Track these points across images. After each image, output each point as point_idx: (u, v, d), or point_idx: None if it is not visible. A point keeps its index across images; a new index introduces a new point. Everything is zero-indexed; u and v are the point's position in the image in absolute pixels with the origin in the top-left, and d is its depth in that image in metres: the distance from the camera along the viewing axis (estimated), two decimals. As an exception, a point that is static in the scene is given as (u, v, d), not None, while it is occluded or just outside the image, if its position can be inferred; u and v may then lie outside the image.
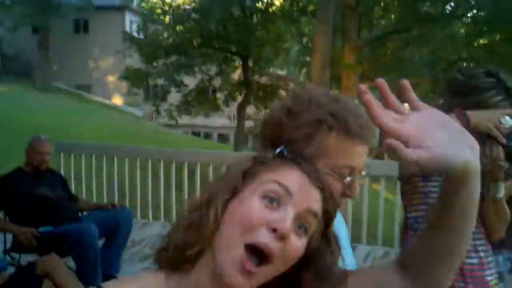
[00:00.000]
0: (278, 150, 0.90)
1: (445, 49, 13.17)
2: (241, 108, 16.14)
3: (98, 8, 25.84)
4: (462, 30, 14.49)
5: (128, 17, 27.72)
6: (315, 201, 0.83)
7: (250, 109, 16.82)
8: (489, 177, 1.67)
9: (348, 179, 1.06)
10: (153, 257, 0.88)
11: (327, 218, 0.86)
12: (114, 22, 27.17)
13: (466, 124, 1.60)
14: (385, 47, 15.91)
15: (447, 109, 1.67)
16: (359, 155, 1.07)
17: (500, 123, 1.62)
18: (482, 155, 1.63)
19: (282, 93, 15.65)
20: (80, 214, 4.30)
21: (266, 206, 0.79)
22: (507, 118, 1.63)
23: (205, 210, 0.82)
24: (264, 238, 0.76)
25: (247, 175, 0.85)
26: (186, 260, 0.82)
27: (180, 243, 0.82)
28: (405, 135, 0.69)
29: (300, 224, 0.80)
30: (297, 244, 0.79)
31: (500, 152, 1.64)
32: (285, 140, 1.03)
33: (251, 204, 0.79)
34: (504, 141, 1.63)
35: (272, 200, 0.80)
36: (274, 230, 0.76)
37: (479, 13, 12.81)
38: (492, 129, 1.62)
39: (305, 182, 0.83)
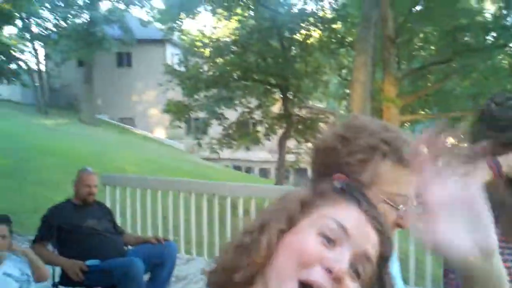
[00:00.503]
0: (339, 185, 0.86)
1: (487, 80, 12.88)
2: (282, 141, 16.11)
3: (140, 41, 26.55)
4: (505, 62, 14.21)
5: (169, 49, 28.23)
6: (371, 244, 0.79)
7: (290, 143, 16.74)
8: None
9: (402, 208, 1.06)
10: (205, 280, 0.85)
11: (382, 262, 0.81)
12: (156, 55, 27.66)
13: (498, 171, 1.58)
14: (425, 79, 15.66)
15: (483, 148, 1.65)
16: (411, 184, 1.05)
17: None
18: None
19: (322, 126, 15.51)
20: (125, 248, 4.31)
21: (322, 244, 0.75)
22: None
23: (258, 235, 0.79)
24: (319, 277, 0.72)
25: (305, 205, 0.81)
26: (233, 285, 0.78)
27: (227, 265, 0.80)
28: (428, 205, 0.71)
29: (355, 267, 0.76)
30: None
31: None
32: (339, 165, 1.04)
33: (308, 239, 0.76)
34: None
35: (329, 239, 0.76)
36: (329, 271, 0.72)
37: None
38: None
39: (363, 223, 0.79)
